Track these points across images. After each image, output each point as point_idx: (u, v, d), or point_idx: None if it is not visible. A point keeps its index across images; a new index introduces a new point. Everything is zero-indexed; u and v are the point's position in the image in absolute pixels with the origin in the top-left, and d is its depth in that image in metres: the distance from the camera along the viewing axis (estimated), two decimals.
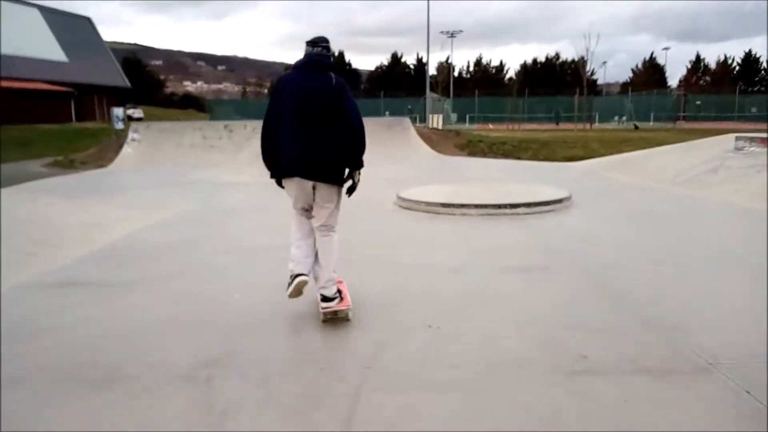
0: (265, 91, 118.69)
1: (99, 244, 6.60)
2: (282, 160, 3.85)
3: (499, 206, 8.09)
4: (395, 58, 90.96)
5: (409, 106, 59.73)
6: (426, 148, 20.04)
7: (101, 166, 17.07)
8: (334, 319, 3.98)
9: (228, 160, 15.06)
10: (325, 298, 4.00)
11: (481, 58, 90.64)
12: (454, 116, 61.40)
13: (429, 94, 44.00)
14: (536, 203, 8.24)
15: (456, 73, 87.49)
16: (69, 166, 17.33)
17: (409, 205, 8.73)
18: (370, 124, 15.19)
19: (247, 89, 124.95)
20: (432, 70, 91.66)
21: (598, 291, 4.57)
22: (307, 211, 4.04)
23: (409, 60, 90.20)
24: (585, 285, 4.73)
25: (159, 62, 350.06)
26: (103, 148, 18.70)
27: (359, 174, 4.02)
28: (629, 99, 52.17)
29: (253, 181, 11.22)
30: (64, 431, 2.67)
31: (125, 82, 49.25)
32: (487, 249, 6.05)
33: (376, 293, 4.61)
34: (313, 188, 3.89)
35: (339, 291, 4.07)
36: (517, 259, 5.57)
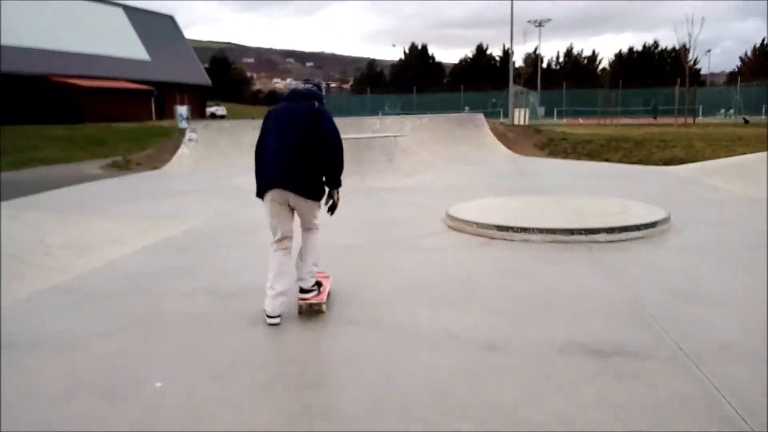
0: (348, 86, 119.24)
1: (64, 276, 5.43)
2: (263, 175, 4.06)
3: (572, 231, 6.25)
4: (480, 50, 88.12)
5: (494, 100, 57.16)
6: (501, 148, 18.10)
7: (155, 167, 16.45)
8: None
9: None
10: (302, 290, 4.27)
11: (571, 48, 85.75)
12: (541, 110, 58.30)
13: (512, 87, 41.53)
14: (621, 228, 6.32)
15: (545, 65, 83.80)
16: (125, 167, 16.84)
17: (458, 225, 7.05)
18: (437, 122, 12.48)
19: (331, 84, 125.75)
20: (519, 62, 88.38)
21: (718, 411, 2.76)
22: (285, 240, 4.17)
23: (495, 52, 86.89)
24: (697, 397, 2.91)
25: (251, 60, 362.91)
26: (161, 149, 18.15)
27: (338, 193, 4.22)
28: (738, 90, 47.19)
29: None
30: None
31: (206, 80, 50.05)
32: (545, 305, 4.30)
33: (351, 398, 3.03)
34: (292, 209, 4.11)
35: (318, 284, 4.32)
36: (588, 331, 3.79)
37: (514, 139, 19.07)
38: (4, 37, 30.91)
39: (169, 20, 47.22)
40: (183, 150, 17.42)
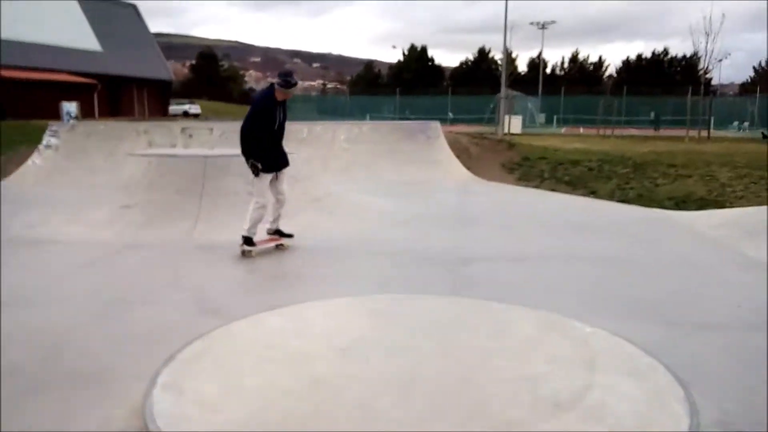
0: (345, 87, 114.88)
1: None
2: None
3: None
4: (482, 54, 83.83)
5: (492, 105, 52.85)
6: (456, 169, 13.77)
7: None
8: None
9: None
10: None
11: (577, 54, 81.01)
12: (541, 117, 53.91)
13: (503, 91, 37.16)
14: None
15: (548, 70, 79.50)
16: None
17: None
18: (381, 132, 11.01)
19: (327, 85, 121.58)
20: (522, 67, 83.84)
21: None
22: None
23: (498, 56, 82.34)
24: None
25: (257, 59, 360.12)
26: (16, 155, 13.86)
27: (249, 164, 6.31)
28: (753, 101, 42.74)
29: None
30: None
31: (169, 75, 45.72)
32: None
33: None
34: None
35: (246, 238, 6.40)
36: None
37: (478, 155, 14.73)
38: None
39: (131, 9, 42.84)
40: (34, 159, 13.15)
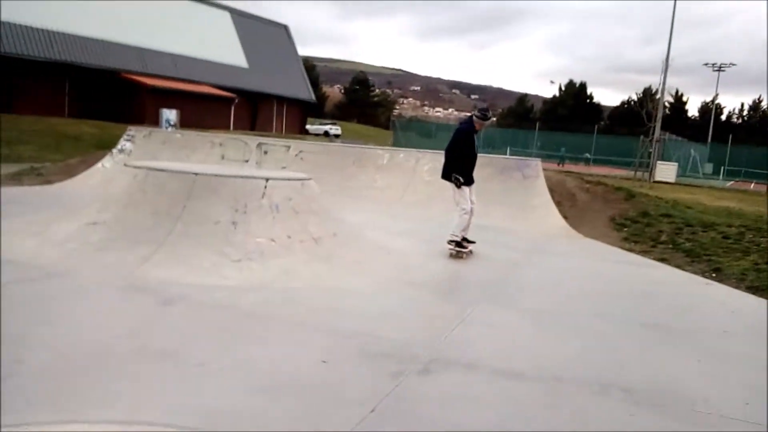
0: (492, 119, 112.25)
1: None
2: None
3: None
4: (647, 94, 77.52)
5: (650, 150, 47.85)
6: (551, 219, 11.32)
7: (50, 181, 12.08)
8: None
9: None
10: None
11: (760, 101, 71.67)
12: (708, 166, 47.81)
13: (657, 133, 33.05)
14: None
15: (723, 117, 71.34)
16: (28, 174, 12.70)
17: None
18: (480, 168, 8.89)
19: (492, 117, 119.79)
20: (693, 111, 75.86)
21: None
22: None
23: (666, 98, 75.31)
24: None
25: (417, 87, 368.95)
26: (94, 157, 13.79)
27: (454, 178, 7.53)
28: None
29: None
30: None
31: (311, 96, 46.61)
32: None
33: None
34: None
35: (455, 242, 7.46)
36: None
37: (584, 204, 12.10)
38: (81, 28, 29.67)
39: (282, 30, 44.57)
40: (104, 163, 12.91)
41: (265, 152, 13.57)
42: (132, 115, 28.75)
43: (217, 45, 36.89)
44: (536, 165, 12.38)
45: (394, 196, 12.48)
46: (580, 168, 34.20)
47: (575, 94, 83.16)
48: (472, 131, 7.60)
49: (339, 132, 52.37)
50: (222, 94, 34.30)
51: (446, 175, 7.68)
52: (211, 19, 37.27)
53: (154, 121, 29.25)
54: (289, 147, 13.64)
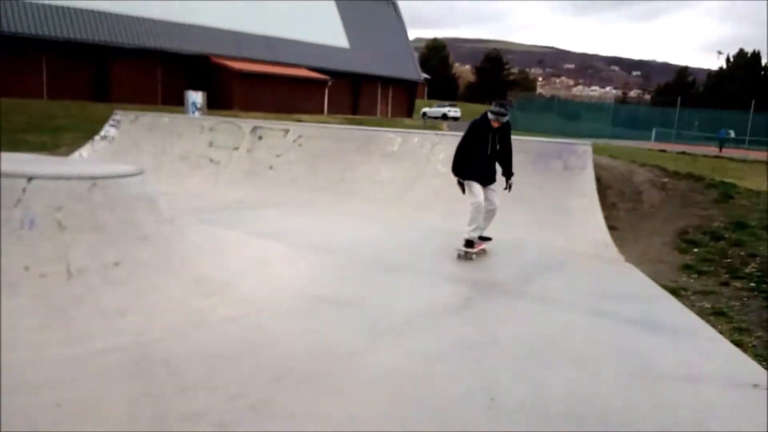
0: (647, 97, 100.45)
1: None
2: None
3: None
4: None
5: None
6: (589, 226, 7.88)
7: None
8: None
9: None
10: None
11: None
12: None
13: None
14: None
15: None
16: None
17: None
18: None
19: (628, 94, 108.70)
20: None
21: None
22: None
23: None
24: None
25: (571, 65, 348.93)
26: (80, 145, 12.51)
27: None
28: None
29: None
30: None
31: (418, 76, 43.53)
32: None
33: None
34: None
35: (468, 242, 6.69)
36: None
37: (651, 208, 8.46)
38: (171, 14, 29.65)
39: (390, 8, 41.83)
40: (82, 152, 11.56)
41: (260, 137, 11.47)
42: (223, 100, 28.29)
43: (316, 25, 35.45)
44: (585, 152, 8.88)
45: (395, 192, 9.75)
46: (739, 152, 27.64)
47: (746, 66, 71.59)
48: (485, 128, 6.76)
49: (458, 114, 49.22)
50: (315, 76, 32.87)
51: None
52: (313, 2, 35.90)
53: (244, 106, 28.57)
54: (287, 131, 11.40)
